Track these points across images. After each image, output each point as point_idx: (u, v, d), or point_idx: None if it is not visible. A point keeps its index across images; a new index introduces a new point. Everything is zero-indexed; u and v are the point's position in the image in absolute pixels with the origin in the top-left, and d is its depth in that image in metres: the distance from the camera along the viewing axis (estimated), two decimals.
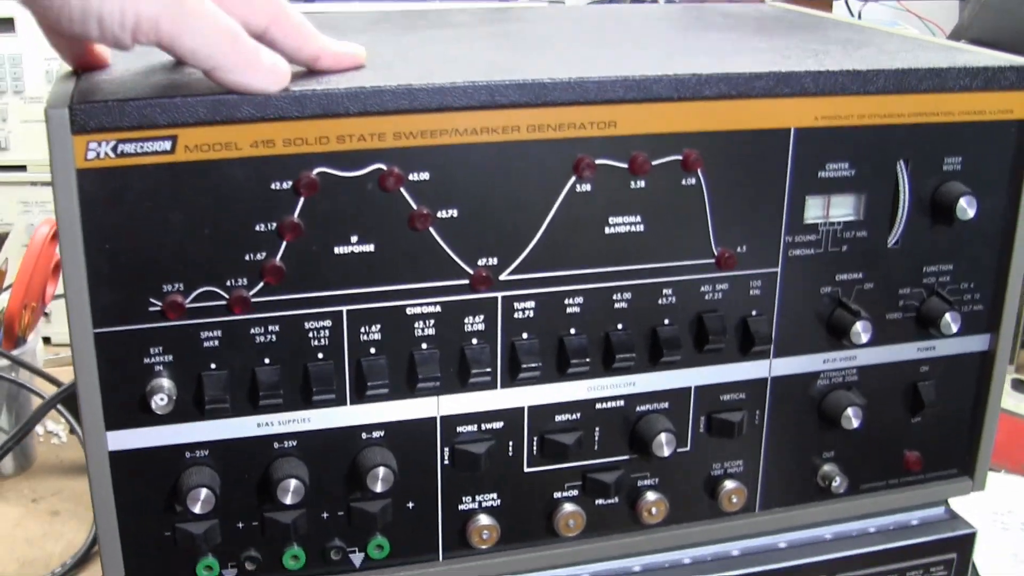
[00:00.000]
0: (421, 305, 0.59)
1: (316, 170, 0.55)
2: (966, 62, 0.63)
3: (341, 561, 0.62)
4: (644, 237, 0.61)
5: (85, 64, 0.59)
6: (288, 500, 0.58)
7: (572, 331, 0.61)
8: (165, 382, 0.56)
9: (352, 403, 0.59)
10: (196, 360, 0.57)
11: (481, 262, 0.59)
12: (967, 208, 0.64)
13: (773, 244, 0.63)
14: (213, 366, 0.57)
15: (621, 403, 0.63)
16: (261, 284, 0.56)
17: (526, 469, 0.63)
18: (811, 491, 0.69)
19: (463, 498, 0.63)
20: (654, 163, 0.59)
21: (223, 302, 0.56)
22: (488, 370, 0.60)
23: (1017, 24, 1.21)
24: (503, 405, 0.61)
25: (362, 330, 0.58)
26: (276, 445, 0.59)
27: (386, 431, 0.60)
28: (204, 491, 0.57)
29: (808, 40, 0.70)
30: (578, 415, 0.63)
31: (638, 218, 0.60)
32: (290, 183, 0.55)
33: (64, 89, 0.55)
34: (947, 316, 0.66)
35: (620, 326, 0.62)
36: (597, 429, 0.63)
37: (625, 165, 0.59)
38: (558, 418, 0.63)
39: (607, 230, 0.60)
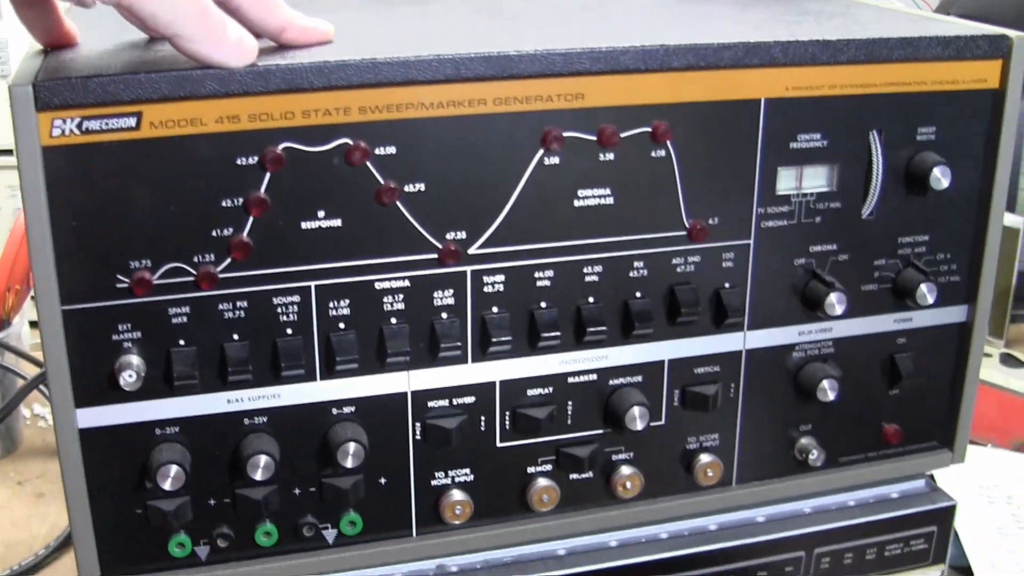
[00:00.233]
0: (390, 280, 0.58)
1: (282, 145, 0.55)
2: (938, 31, 0.62)
3: (314, 538, 0.62)
4: (614, 210, 0.60)
5: (54, 41, 0.59)
6: (258, 476, 0.58)
7: (542, 305, 0.61)
8: (134, 359, 0.56)
9: (322, 378, 0.59)
10: (164, 336, 0.56)
11: (450, 236, 0.58)
12: (941, 178, 0.63)
13: (745, 216, 0.63)
14: (182, 342, 0.57)
15: (594, 377, 0.63)
16: (228, 260, 0.56)
17: (499, 444, 0.63)
18: (788, 464, 0.69)
19: (436, 473, 0.63)
20: (623, 135, 0.59)
21: (191, 278, 0.56)
22: (458, 344, 0.60)
23: None
24: (474, 380, 0.61)
25: (331, 305, 0.58)
26: (246, 421, 0.59)
27: (356, 406, 0.60)
28: (174, 468, 0.57)
29: (781, 12, 0.69)
30: (550, 389, 0.63)
31: (607, 191, 0.60)
32: (256, 158, 0.55)
33: (30, 66, 0.55)
34: (923, 287, 0.65)
35: (591, 299, 0.62)
36: (570, 403, 0.63)
37: (593, 137, 0.59)
38: (530, 392, 0.62)
39: (576, 203, 0.60)
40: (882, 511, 0.71)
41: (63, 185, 0.53)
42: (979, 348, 0.70)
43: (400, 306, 0.59)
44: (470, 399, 0.62)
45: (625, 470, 0.65)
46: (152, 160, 0.54)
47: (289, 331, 0.58)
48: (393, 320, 0.59)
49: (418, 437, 0.61)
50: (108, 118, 0.53)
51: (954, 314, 0.69)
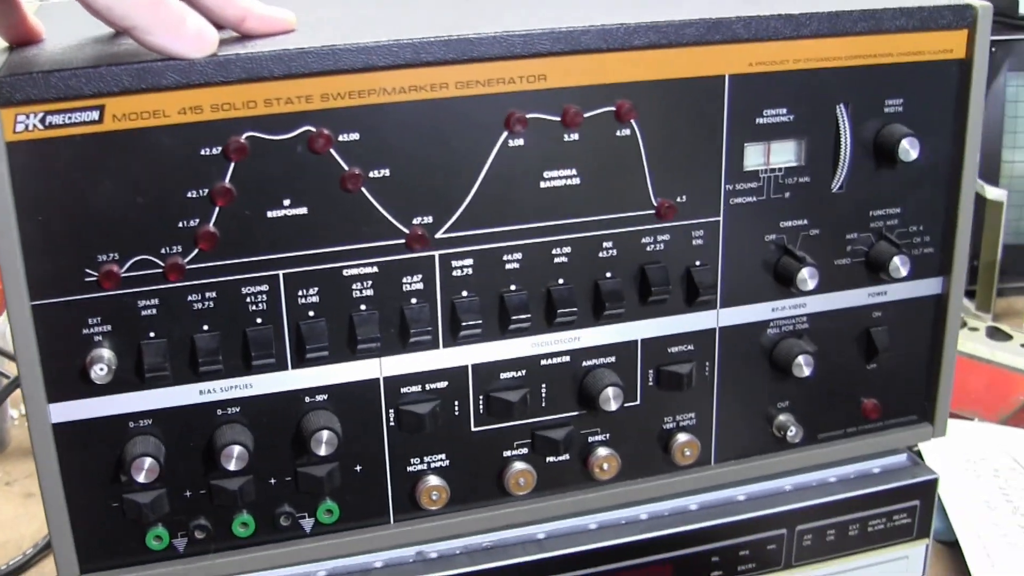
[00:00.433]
0: (358, 266, 0.58)
1: (245, 134, 0.55)
2: (901, 2, 0.62)
3: (291, 527, 0.62)
4: (581, 190, 0.60)
5: (19, 38, 0.59)
6: (232, 466, 0.58)
7: (512, 287, 0.61)
8: (105, 352, 0.56)
9: (293, 367, 0.59)
10: (134, 329, 0.57)
11: (416, 221, 0.58)
12: (910, 149, 0.63)
13: (713, 193, 0.63)
14: (152, 334, 0.57)
15: (566, 359, 0.63)
16: (196, 251, 0.56)
17: (473, 428, 0.63)
18: (767, 442, 0.69)
19: (411, 459, 0.63)
20: (586, 115, 0.59)
21: (159, 270, 0.56)
22: (428, 329, 0.60)
23: None
24: (446, 364, 0.61)
25: (299, 293, 0.58)
26: (219, 412, 0.59)
27: (329, 394, 0.60)
28: (148, 460, 0.57)
29: None
30: (523, 372, 0.63)
31: (573, 171, 0.60)
32: (219, 148, 0.55)
33: None
34: (896, 260, 0.65)
35: (561, 281, 0.62)
36: (543, 386, 0.63)
37: (557, 118, 0.59)
38: (503, 376, 0.63)
39: (542, 184, 0.60)
40: (864, 486, 0.71)
41: (28, 180, 0.53)
42: (956, 320, 0.70)
43: (369, 292, 0.59)
44: (443, 384, 0.62)
45: (601, 452, 0.65)
46: (116, 153, 0.54)
47: (259, 320, 0.58)
48: (362, 307, 0.59)
49: (392, 423, 0.62)
50: (71, 112, 0.53)
51: (929, 286, 0.69)
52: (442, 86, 0.57)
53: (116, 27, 0.54)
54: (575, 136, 0.59)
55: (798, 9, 0.60)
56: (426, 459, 0.63)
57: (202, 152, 0.55)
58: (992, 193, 1.12)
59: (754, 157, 0.63)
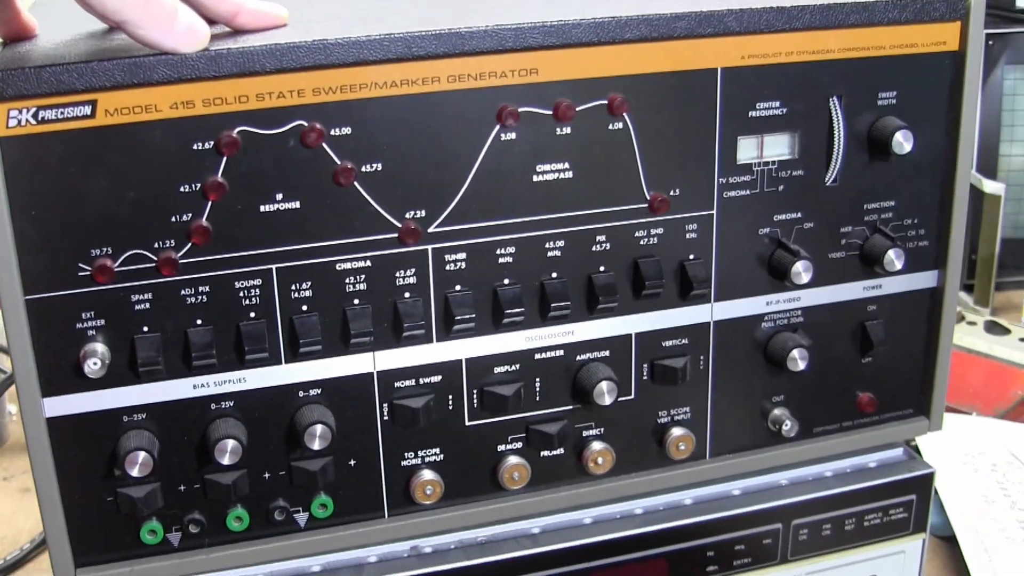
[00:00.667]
0: (351, 260, 0.58)
1: (237, 129, 0.55)
2: None
3: (285, 521, 0.62)
4: (573, 184, 0.60)
5: (12, 33, 0.59)
6: (226, 461, 0.58)
7: (506, 281, 0.61)
8: (98, 346, 0.56)
9: (287, 361, 0.59)
10: (128, 323, 0.57)
11: (409, 215, 0.59)
12: (904, 142, 0.63)
13: (707, 186, 0.63)
14: (145, 329, 0.57)
15: (560, 353, 0.63)
16: (189, 245, 0.56)
17: (467, 422, 0.63)
18: (762, 436, 0.69)
19: (405, 454, 0.63)
20: (579, 109, 0.59)
21: (152, 264, 0.56)
22: (422, 323, 0.60)
23: None
24: (440, 359, 0.61)
25: (293, 288, 0.58)
26: (213, 406, 0.59)
27: (323, 388, 0.60)
28: (142, 454, 0.57)
29: None
30: (517, 366, 0.63)
31: (566, 165, 0.60)
32: (212, 143, 0.55)
33: None
34: (890, 253, 0.65)
35: (554, 274, 0.62)
36: (537, 380, 0.63)
37: (549, 112, 0.59)
38: (497, 370, 0.63)
39: (535, 178, 0.60)
40: (860, 481, 0.71)
41: (21, 175, 0.53)
42: (951, 314, 0.70)
43: (362, 287, 0.59)
44: (436, 378, 0.62)
45: (596, 446, 0.65)
46: (109, 147, 0.54)
47: (252, 315, 0.58)
48: (356, 301, 0.59)
49: (386, 418, 0.62)
50: (63, 107, 0.53)
51: (924, 279, 0.69)
52: (434, 80, 0.57)
53: (108, 22, 0.54)
54: (567, 130, 0.59)
55: (790, 2, 0.60)
56: (420, 453, 0.63)
57: (194, 147, 0.55)
58: (990, 187, 1.11)
59: (747, 150, 0.63)
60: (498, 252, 0.60)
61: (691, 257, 0.64)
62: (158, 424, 0.58)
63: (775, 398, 0.68)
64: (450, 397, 0.62)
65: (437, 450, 0.63)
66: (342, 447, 0.61)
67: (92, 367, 0.56)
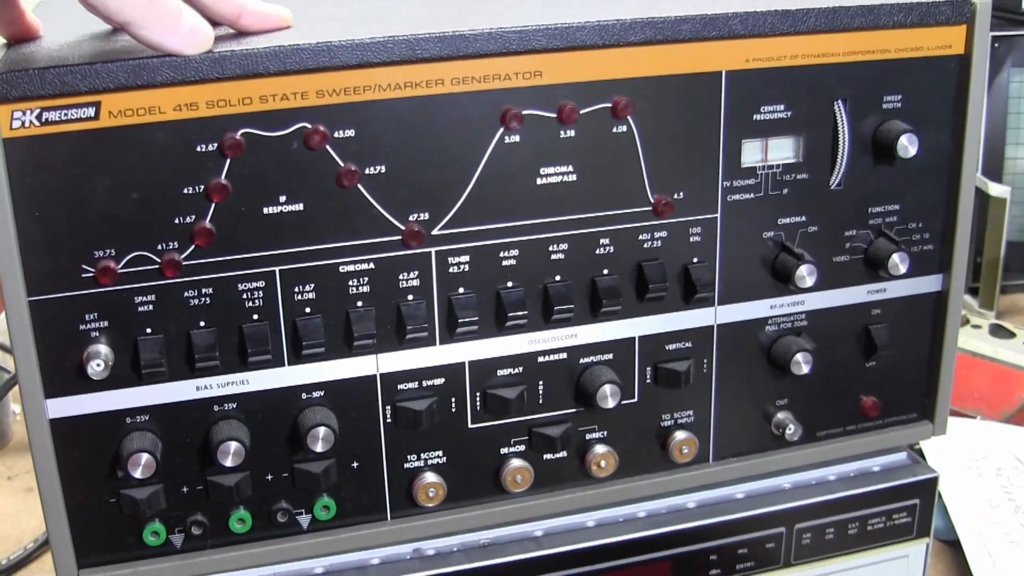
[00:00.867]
0: (354, 263, 0.58)
1: (240, 131, 0.55)
2: None
3: (288, 523, 0.62)
4: (577, 187, 0.60)
5: (16, 34, 0.59)
6: (229, 463, 0.58)
7: (509, 284, 0.61)
8: (102, 348, 0.56)
9: (290, 363, 0.59)
10: (131, 325, 0.57)
11: (412, 217, 0.58)
12: (908, 146, 0.63)
13: (711, 189, 0.62)
14: (148, 330, 0.57)
15: (563, 356, 0.63)
16: (192, 247, 0.56)
17: (470, 425, 0.63)
18: (766, 440, 0.69)
19: (408, 456, 0.63)
20: (583, 111, 0.59)
21: (155, 266, 0.56)
22: (425, 326, 0.60)
23: None
24: (443, 361, 0.61)
25: (296, 290, 0.58)
26: (216, 408, 0.59)
27: (326, 391, 0.60)
28: (145, 456, 0.57)
29: None
30: (520, 369, 0.63)
31: (570, 168, 0.60)
32: (215, 145, 0.55)
33: None
34: (895, 257, 0.65)
35: (558, 277, 0.61)
36: (541, 383, 0.63)
37: (553, 115, 0.59)
38: (500, 373, 0.62)
39: (539, 181, 0.60)
40: (863, 485, 0.71)
41: (25, 176, 0.53)
42: (956, 318, 0.69)
43: (365, 289, 0.59)
44: (439, 381, 0.62)
45: (599, 449, 0.65)
46: (112, 149, 0.54)
47: (255, 317, 0.58)
48: (359, 303, 0.59)
49: (389, 420, 0.62)
50: (67, 108, 0.53)
51: (929, 283, 0.69)
52: (437, 82, 0.57)
53: (112, 23, 0.54)
54: (571, 132, 0.59)
55: (795, 5, 0.60)
56: (423, 456, 0.63)
57: (198, 148, 0.55)
58: (995, 190, 1.11)
59: (752, 153, 0.63)
60: (501, 255, 0.60)
61: (695, 260, 0.63)
62: (161, 426, 0.58)
63: (779, 402, 0.68)
64: (453, 400, 0.62)
65: (440, 452, 0.63)
66: (345, 449, 0.61)
67: (95, 368, 0.56)
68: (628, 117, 0.59)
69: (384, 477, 0.63)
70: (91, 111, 0.53)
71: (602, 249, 0.62)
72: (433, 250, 0.59)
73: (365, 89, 0.56)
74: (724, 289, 0.65)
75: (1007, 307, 1.20)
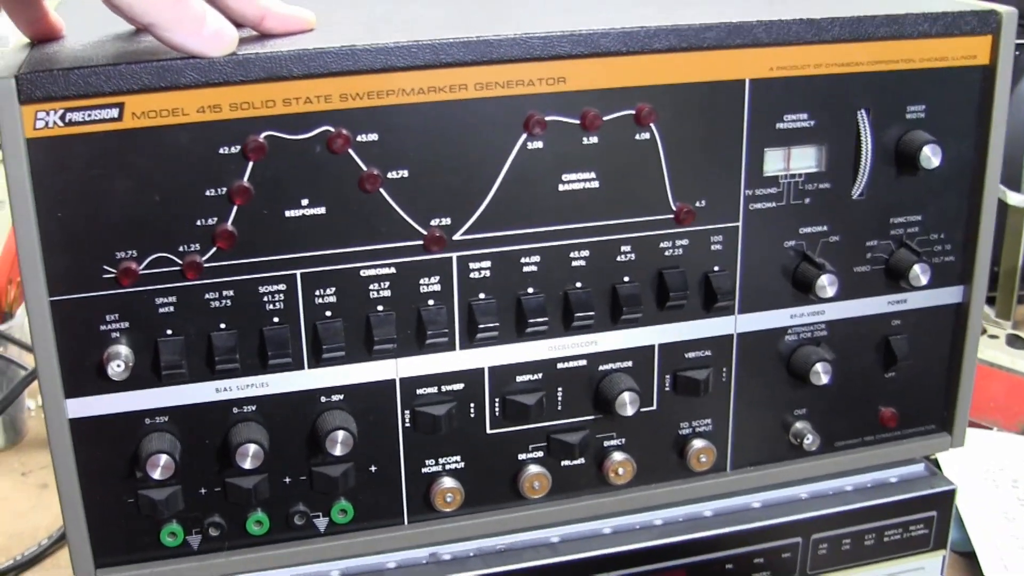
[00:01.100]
0: (375, 267, 0.58)
1: (263, 134, 0.55)
2: (925, 8, 0.62)
3: (305, 526, 0.62)
4: (599, 193, 0.60)
5: (40, 33, 0.59)
6: (247, 465, 0.58)
7: (530, 290, 0.61)
8: (122, 349, 0.56)
9: (309, 367, 0.59)
10: (152, 326, 0.57)
11: (434, 222, 0.58)
12: (931, 157, 0.63)
13: (733, 198, 0.62)
14: (169, 332, 0.57)
15: (583, 362, 0.63)
16: (214, 249, 0.56)
17: (489, 430, 0.63)
18: (783, 449, 0.69)
19: (426, 461, 0.63)
20: (606, 118, 0.59)
21: (176, 268, 0.56)
22: (445, 331, 0.60)
23: None
24: (462, 366, 0.61)
25: (316, 293, 0.58)
26: (235, 410, 0.59)
27: (345, 394, 0.60)
28: (164, 457, 0.57)
29: None
30: (539, 375, 0.63)
31: (592, 174, 0.60)
32: (238, 147, 0.55)
33: (14, 59, 0.55)
34: (916, 268, 0.65)
35: (579, 284, 0.61)
36: (560, 389, 0.63)
37: (576, 121, 0.58)
38: (519, 379, 0.62)
39: (561, 187, 0.60)
40: (880, 496, 0.71)
41: (48, 177, 0.53)
42: (976, 329, 0.69)
43: (386, 293, 0.59)
44: (459, 386, 0.62)
45: (617, 456, 0.65)
46: (135, 151, 0.54)
47: (276, 320, 0.58)
48: (379, 307, 0.59)
49: (407, 424, 0.61)
50: (91, 109, 0.53)
51: (950, 295, 0.68)
52: (461, 87, 0.56)
53: (136, 24, 0.54)
54: (594, 139, 0.59)
55: (820, 13, 0.60)
56: (441, 461, 0.63)
57: (221, 151, 0.55)
58: (1014, 199, 1.11)
59: (774, 162, 0.62)
60: (522, 261, 0.60)
61: (716, 269, 0.63)
62: (180, 427, 0.59)
63: (797, 411, 0.68)
64: (472, 405, 0.62)
65: (458, 458, 0.63)
66: (363, 453, 0.61)
67: (115, 369, 0.56)
68: (651, 124, 0.59)
69: (402, 481, 0.63)
70: (114, 112, 0.53)
71: (623, 256, 0.62)
72: (454, 255, 0.59)
73: (389, 93, 0.56)
74: (744, 298, 0.64)
75: None
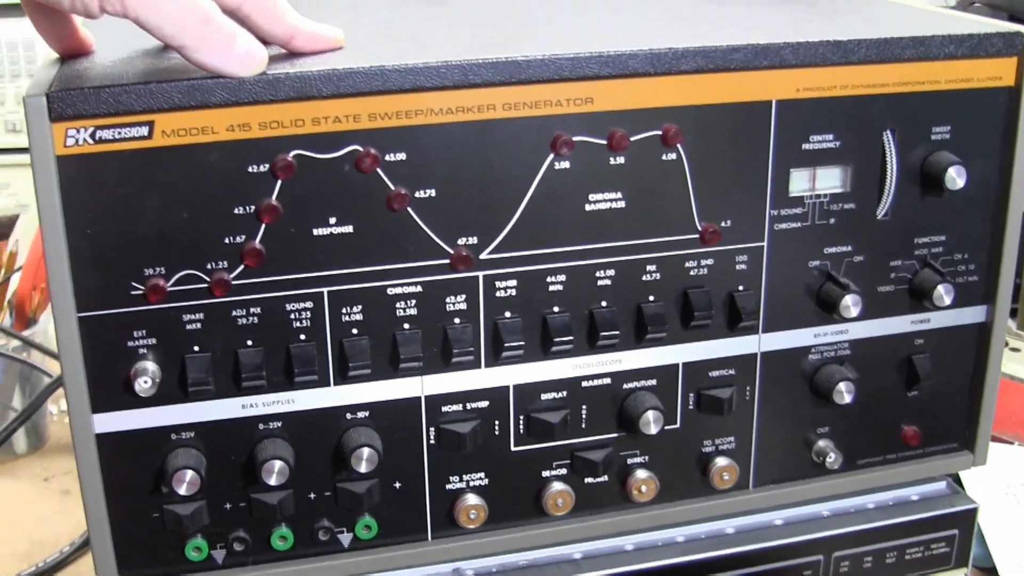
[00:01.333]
0: (402, 285, 0.59)
1: (292, 153, 0.55)
2: (951, 29, 0.62)
3: (329, 542, 0.62)
4: (625, 213, 0.60)
5: (69, 49, 0.59)
6: (273, 481, 0.58)
7: (555, 309, 0.61)
8: (149, 365, 0.57)
9: (336, 384, 0.59)
10: (179, 343, 0.57)
11: (461, 241, 0.59)
12: (956, 178, 0.63)
13: (758, 218, 0.62)
14: (196, 348, 0.57)
15: (607, 381, 0.63)
16: (241, 267, 0.56)
17: (513, 448, 0.63)
18: (806, 467, 0.69)
19: (450, 478, 0.63)
20: (633, 139, 0.59)
21: (204, 285, 0.56)
22: (471, 349, 0.60)
23: None
24: (488, 384, 0.61)
25: (343, 311, 0.58)
26: (261, 426, 0.59)
27: (371, 411, 0.60)
28: (190, 472, 0.57)
29: (792, 9, 0.69)
30: (564, 393, 0.63)
31: (619, 194, 0.60)
32: (267, 166, 0.55)
33: (45, 76, 0.55)
34: (940, 288, 0.65)
35: (604, 303, 0.62)
36: (584, 407, 0.63)
37: (603, 141, 0.59)
38: (544, 397, 0.63)
39: (588, 207, 0.60)
40: (902, 514, 0.71)
41: (77, 194, 0.54)
42: (999, 349, 0.69)
43: (412, 312, 0.59)
44: (484, 404, 0.62)
45: (640, 474, 0.65)
46: (165, 168, 0.54)
47: (302, 337, 0.58)
48: (406, 326, 0.59)
49: (432, 442, 0.62)
50: (121, 127, 0.53)
51: (973, 315, 0.68)
52: (489, 108, 0.57)
53: (166, 45, 0.54)
54: (621, 159, 0.59)
55: (846, 35, 0.60)
56: (465, 477, 0.63)
57: (249, 169, 0.55)
58: None
59: (800, 182, 0.62)
60: (548, 280, 0.60)
61: (740, 288, 0.63)
62: (206, 443, 0.59)
63: (820, 430, 0.68)
64: (496, 423, 0.62)
65: (482, 475, 0.63)
66: (388, 470, 0.61)
67: (142, 385, 0.56)
68: (678, 145, 0.59)
69: (426, 498, 0.63)
70: (144, 130, 0.53)
71: (648, 276, 0.62)
72: (481, 274, 0.59)
73: (417, 113, 0.56)
74: (769, 317, 0.65)
75: None
